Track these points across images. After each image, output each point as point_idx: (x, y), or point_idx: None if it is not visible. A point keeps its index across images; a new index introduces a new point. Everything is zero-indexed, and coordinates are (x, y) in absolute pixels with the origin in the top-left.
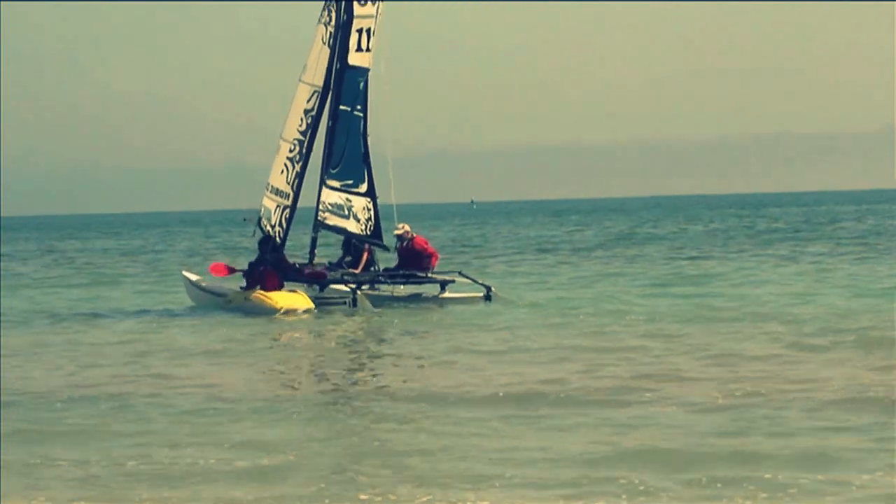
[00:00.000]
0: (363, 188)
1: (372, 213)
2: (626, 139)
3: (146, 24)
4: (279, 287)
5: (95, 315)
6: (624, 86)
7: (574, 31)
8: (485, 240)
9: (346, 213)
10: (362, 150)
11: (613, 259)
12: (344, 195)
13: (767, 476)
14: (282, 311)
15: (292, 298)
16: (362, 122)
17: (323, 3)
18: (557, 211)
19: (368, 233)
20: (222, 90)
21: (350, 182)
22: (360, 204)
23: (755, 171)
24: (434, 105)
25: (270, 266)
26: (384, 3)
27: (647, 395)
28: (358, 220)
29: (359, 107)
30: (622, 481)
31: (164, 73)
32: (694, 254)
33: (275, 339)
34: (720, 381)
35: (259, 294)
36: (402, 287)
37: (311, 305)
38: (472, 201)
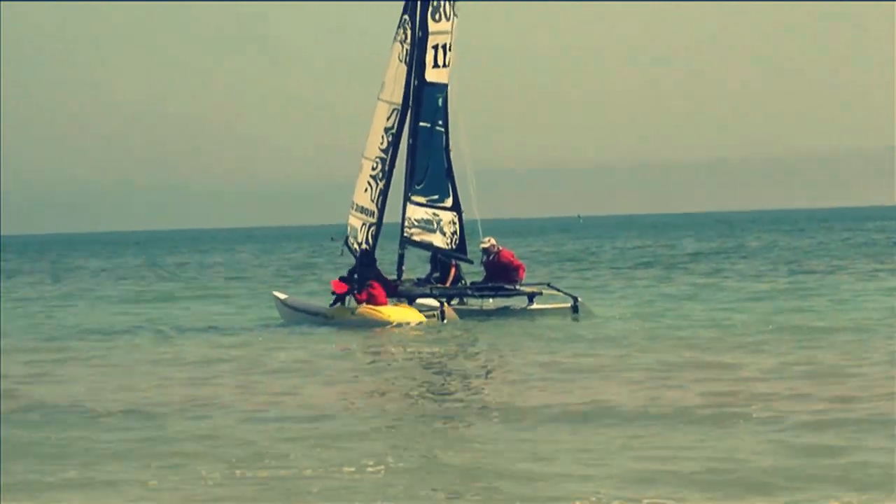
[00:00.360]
0: (448, 202)
1: (457, 227)
2: (739, 153)
3: (194, 52)
4: (387, 301)
5: (208, 328)
6: (737, 98)
7: (688, 39)
8: (587, 253)
9: (434, 227)
10: (445, 165)
11: (712, 273)
12: (431, 210)
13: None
14: (394, 324)
15: (404, 312)
16: (444, 137)
17: (398, 21)
18: (664, 225)
19: (454, 247)
20: (274, 111)
21: (435, 197)
22: (446, 218)
23: (866, 185)
24: (540, 119)
25: (376, 280)
26: (459, 13)
27: (751, 409)
28: (444, 234)
29: (440, 122)
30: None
31: (212, 96)
32: (799, 267)
33: (367, 355)
34: (822, 398)
35: (370, 308)
36: (490, 300)
37: (423, 319)
38: (578, 216)
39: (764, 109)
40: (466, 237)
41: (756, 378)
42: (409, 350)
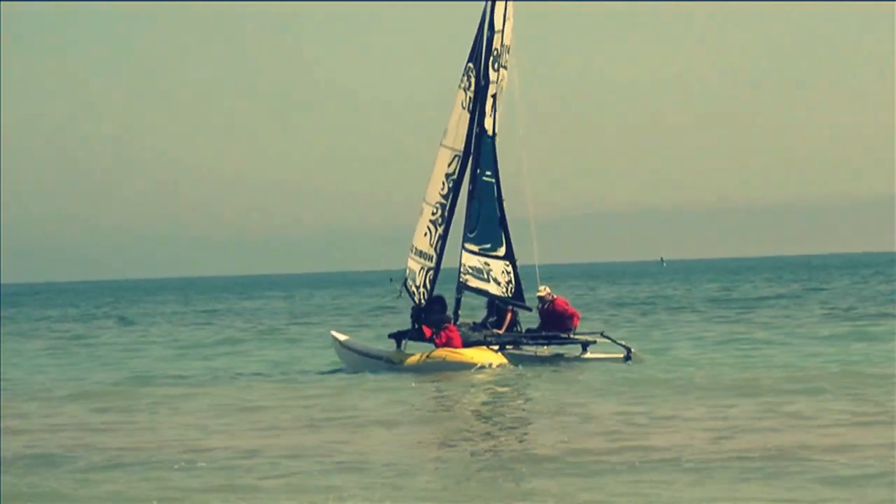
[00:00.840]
0: (501, 251)
1: (512, 275)
2: (833, 193)
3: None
4: (462, 344)
5: (279, 374)
6: (833, 140)
7: (777, 78)
8: (662, 298)
9: (486, 276)
10: (498, 213)
11: (781, 318)
12: (482, 259)
13: None
14: (478, 366)
15: (486, 354)
16: (495, 187)
17: (463, 67)
18: (747, 268)
19: (510, 295)
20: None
21: (488, 246)
22: (498, 267)
23: None
24: (622, 162)
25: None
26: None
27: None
28: (498, 283)
29: (488, 172)
30: None
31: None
32: (861, 312)
33: (424, 400)
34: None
35: (452, 351)
36: (545, 347)
37: (505, 361)
38: (661, 259)
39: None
40: (524, 283)
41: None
42: (466, 395)
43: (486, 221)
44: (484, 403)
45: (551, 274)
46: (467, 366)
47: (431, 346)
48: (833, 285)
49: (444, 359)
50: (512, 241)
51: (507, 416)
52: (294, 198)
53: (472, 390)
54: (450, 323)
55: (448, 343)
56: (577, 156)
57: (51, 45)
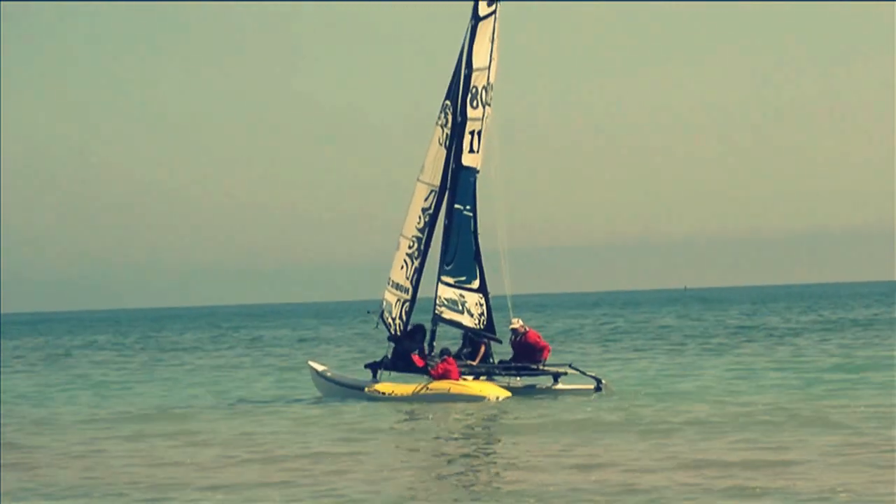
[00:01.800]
0: (475, 284)
1: (485, 307)
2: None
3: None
4: (459, 376)
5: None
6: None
7: (800, 109)
8: (674, 328)
9: (461, 308)
10: (473, 247)
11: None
12: (458, 291)
13: None
14: (486, 399)
15: (492, 388)
16: (472, 221)
17: (440, 105)
18: (771, 297)
19: (482, 327)
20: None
21: (463, 278)
22: (472, 299)
23: None
24: (644, 190)
25: (421, 355)
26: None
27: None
28: (472, 315)
29: (468, 206)
30: None
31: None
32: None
33: (398, 429)
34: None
35: (457, 383)
36: (517, 378)
37: (509, 394)
38: (684, 287)
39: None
40: (498, 314)
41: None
42: (438, 427)
43: (462, 254)
44: (440, 432)
45: (590, 300)
46: (475, 398)
47: (415, 375)
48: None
49: (448, 391)
50: (485, 274)
51: (467, 450)
52: (315, 227)
53: (439, 422)
54: (448, 355)
55: (445, 375)
56: (630, 186)
57: (51, 75)
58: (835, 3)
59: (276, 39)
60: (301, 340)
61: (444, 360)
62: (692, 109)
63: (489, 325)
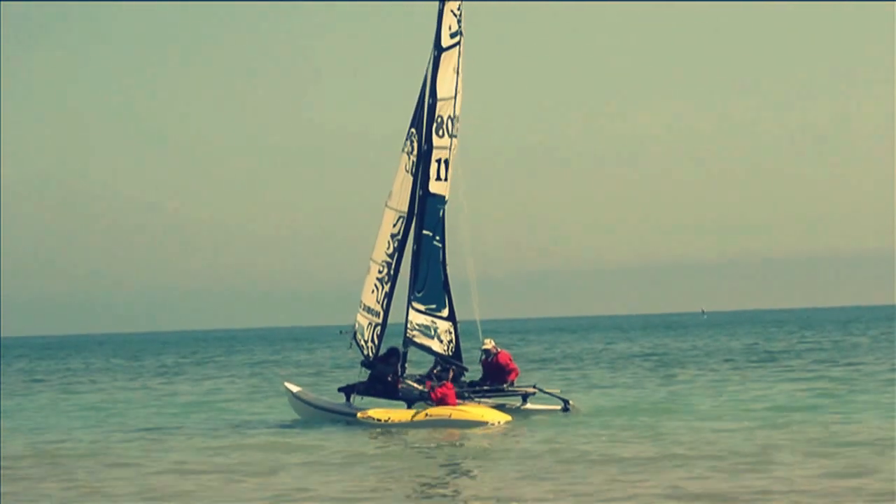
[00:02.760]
0: (445, 313)
1: (453, 335)
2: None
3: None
4: (457, 401)
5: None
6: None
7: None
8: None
9: (432, 333)
10: (442, 277)
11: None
12: (429, 318)
13: None
14: (489, 424)
15: (492, 412)
16: (441, 252)
17: (406, 132)
18: (787, 320)
19: (450, 353)
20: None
21: (433, 306)
22: (443, 327)
23: None
24: (670, 213)
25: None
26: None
27: None
28: (441, 342)
29: (437, 237)
30: None
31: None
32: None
33: (368, 453)
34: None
35: (458, 409)
36: (488, 399)
37: (510, 418)
38: (702, 311)
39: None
40: (470, 339)
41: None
42: (407, 448)
43: (432, 284)
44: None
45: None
46: (477, 424)
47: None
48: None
49: (449, 416)
50: (454, 303)
51: (436, 472)
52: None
53: (408, 442)
54: (447, 381)
55: (444, 400)
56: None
57: (54, 99)
58: (839, 24)
59: (285, 62)
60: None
61: (443, 384)
62: (683, 135)
63: (456, 353)
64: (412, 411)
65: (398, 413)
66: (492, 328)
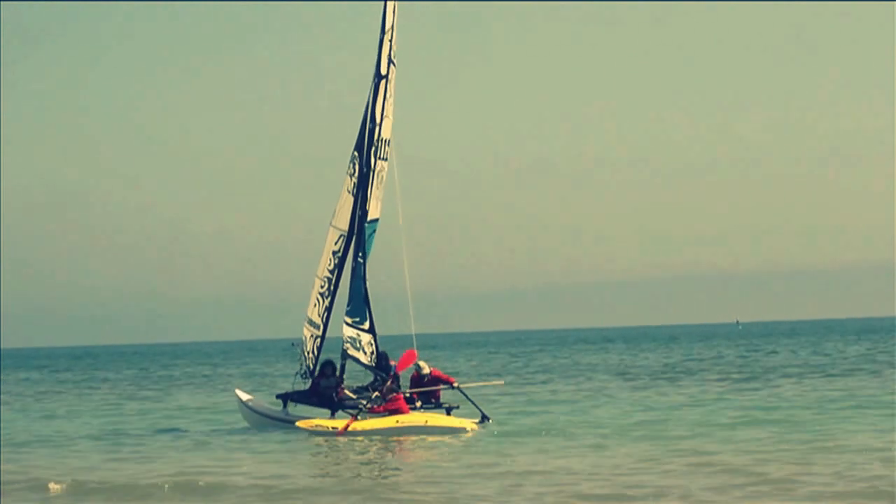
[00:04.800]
0: (366, 326)
1: (374, 346)
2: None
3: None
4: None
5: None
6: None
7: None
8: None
9: (358, 345)
10: (363, 292)
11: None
12: (355, 330)
13: None
14: (464, 430)
15: (464, 420)
16: (362, 268)
17: (350, 156)
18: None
19: (374, 363)
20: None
21: (357, 319)
22: (365, 339)
23: None
24: (705, 223)
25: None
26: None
27: None
28: (365, 353)
29: (360, 253)
30: None
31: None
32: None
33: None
34: None
35: (433, 416)
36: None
37: (475, 426)
38: (736, 321)
39: None
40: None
41: None
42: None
43: (357, 298)
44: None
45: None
46: (455, 430)
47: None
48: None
49: (425, 423)
50: (373, 317)
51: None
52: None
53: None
54: (396, 391)
55: (399, 410)
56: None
57: (62, 105)
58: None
59: (295, 66)
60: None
61: (394, 397)
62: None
63: (379, 363)
64: (388, 419)
65: (375, 421)
66: (518, 337)
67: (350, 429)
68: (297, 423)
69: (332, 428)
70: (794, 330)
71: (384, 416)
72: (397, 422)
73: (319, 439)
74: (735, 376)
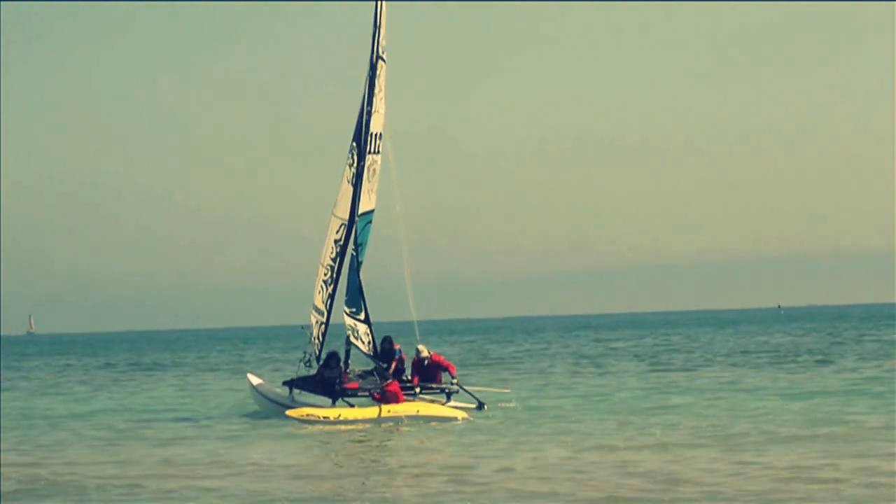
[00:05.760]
0: (361, 316)
1: (371, 336)
2: None
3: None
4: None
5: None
6: None
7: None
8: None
9: (356, 334)
10: (357, 283)
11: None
12: (353, 320)
13: None
14: (456, 419)
15: (456, 410)
16: (355, 259)
17: (349, 146)
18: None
19: (371, 353)
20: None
21: (354, 310)
22: (362, 329)
23: None
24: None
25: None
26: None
27: None
28: (363, 342)
29: (354, 245)
30: None
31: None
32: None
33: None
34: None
35: (427, 405)
36: (426, 395)
37: (466, 415)
38: (778, 306)
39: None
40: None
41: None
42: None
43: (353, 289)
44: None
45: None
46: (446, 419)
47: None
48: None
49: (417, 412)
50: (368, 307)
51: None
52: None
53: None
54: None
55: (395, 398)
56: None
57: (80, 96)
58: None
59: (309, 54)
60: None
61: (389, 383)
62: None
63: (375, 352)
64: (380, 407)
65: (363, 411)
66: (558, 324)
67: (341, 418)
68: (287, 413)
69: (323, 417)
70: (843, 314)
71: (377, 404)
72: (388, 411)
73: (310, 429)
74: None
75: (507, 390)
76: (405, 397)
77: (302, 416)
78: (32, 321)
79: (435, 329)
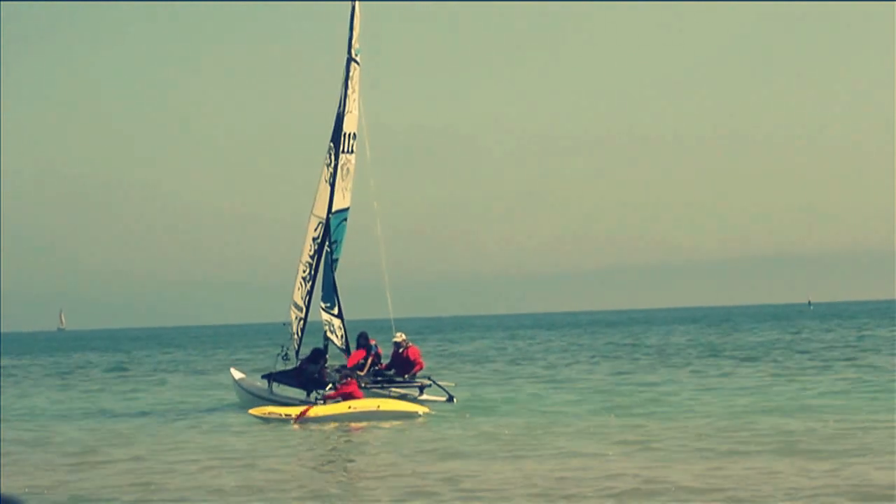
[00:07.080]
0: (335, 311)
1: (343, 330)
2: None
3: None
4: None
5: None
6: None
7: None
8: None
9: (332, 329)
10: (331, 279)
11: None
12: (328, 315)
13: None
14: (417, 415)
15: (416, 405)
16: (329, 256)
17: (327, 146)
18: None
19: (344, 347)
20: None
21: (328, 305)
22: (336, 323)
23: None
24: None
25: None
26: (352, 153)
27: None
28: (337, 336)
29: (328, 243)
30: None
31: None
32: None
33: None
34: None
35: (386, 401)
36: (398, 387)
37: (428, 409)
38: (808, 302)
39: None
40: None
41: None
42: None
43: (327, 285)
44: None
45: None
46: (407, 415)
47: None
48: None
49: (377, 408)
50: (341, 303)
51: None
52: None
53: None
54: (350, 377)
55: (352, 395)
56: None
57: (84, 90)
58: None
59: (317, 50)
60: None
61: (347, 381)
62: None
63: (347, 346)
64: (344, 403)
65: (328, 408)
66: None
67: (305, 416)
68: (250, 411)
69: (286, 415)
70: (876, 310)
71: (338, 401)
72: (350, 407)
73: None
74: None
75: (452, 384)
76: (363, 393)
77: (264, 414)
78: (63, 317)
79: (460, 325)
